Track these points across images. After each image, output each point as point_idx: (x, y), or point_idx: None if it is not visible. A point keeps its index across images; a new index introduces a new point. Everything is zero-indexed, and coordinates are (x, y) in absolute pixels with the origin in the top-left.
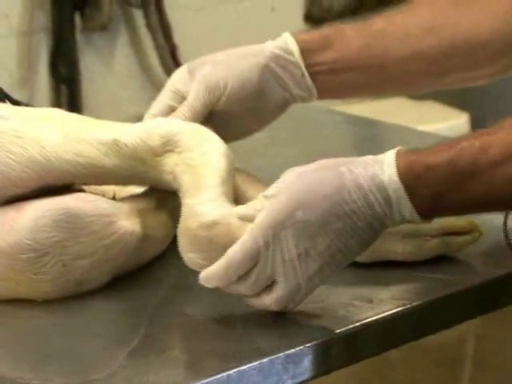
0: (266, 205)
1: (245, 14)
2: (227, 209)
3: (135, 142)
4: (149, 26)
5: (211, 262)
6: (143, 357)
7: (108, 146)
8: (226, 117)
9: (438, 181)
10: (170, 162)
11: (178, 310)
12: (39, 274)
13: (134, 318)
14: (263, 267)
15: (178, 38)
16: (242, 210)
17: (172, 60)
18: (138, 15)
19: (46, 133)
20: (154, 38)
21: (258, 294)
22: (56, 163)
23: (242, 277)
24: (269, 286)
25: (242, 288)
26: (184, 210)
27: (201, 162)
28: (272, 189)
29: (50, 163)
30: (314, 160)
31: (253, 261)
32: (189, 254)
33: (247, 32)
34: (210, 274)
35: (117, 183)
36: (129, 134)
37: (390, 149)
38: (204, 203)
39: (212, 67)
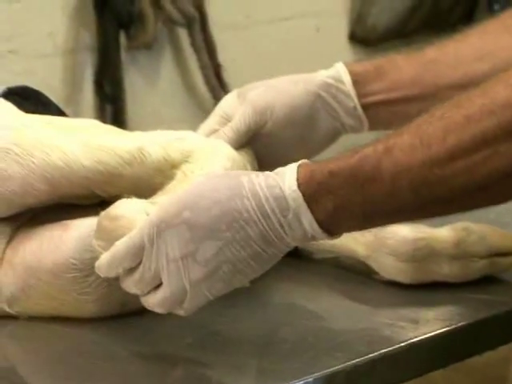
0: None
1: (289, 33)
2: (148, 207)
3: (158, 152)
4: (193, 45)
5: None
6: (185, 378)
7: (132, 154)
8: (273, 142)
9: (339, 186)
10: None
11: (220, 328)
12: (84, 294)
13: (178, 338)
14: (148, 264)
15: (223, 57)
16: (152, 209)
17: (216, 79)
18: (183, 34)
19: (69, 139)
20: (199, 57)
21: (146, 294)
22: (75, 169)
23: (129, 272)
24: (157, 287)
25: (130, 284)
26: None
27: (195, 174)
28: None
29: (69, 169)
30: None
31: (137, 256)
32: (93, 240)
33: (292, 52)
34: (99, 263)
35: (133, 193)
36: (153, 143)
37: None
38: (138, 199)
39: (261, 91)
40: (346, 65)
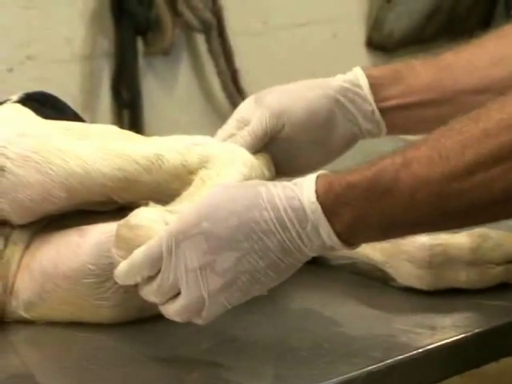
0: None
1: (306, 39)
2: (166, 216)
3: (176, 158)
4: (211, 51)
5: None
6: (202, 383)
7: (150, 161)
8: (290, 146)
9: (357, 198)
10: None
11: (237, 334)
12: (101, 300)
13: (194, 343)
14: (166, 274)
15: (240, 63)
16: (171, 218)
17: (233, 85)
18: (200, 40)
19: (88, 146)
20: (216, 63)
21: (164, 302)
22: (94, 176)
23: (148, 281)
24: (175, 296)
25: (148, 293)
26: None
27: (212, 181)
28: None
29: (88, 176)
30: None
31: (155, 265)
32: (112, 249)
33: (308, 58)
34: (117, 271)
35: (150, 198)
36: (170, 149)
37: None
38: (156, 208)
39: (278, 95)
40: (363, 69)
